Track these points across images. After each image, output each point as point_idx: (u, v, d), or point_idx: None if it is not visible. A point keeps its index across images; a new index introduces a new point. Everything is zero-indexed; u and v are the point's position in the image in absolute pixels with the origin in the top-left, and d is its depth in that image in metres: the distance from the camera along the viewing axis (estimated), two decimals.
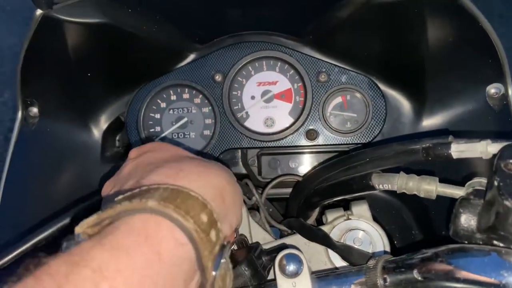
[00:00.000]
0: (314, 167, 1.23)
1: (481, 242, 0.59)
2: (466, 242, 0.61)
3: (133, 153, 0.73)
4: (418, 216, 1.14)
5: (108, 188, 0.68)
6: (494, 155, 0.60)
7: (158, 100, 1.34)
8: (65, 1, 1.02)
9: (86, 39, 1.11)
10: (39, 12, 1.01)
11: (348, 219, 1.00)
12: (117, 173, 0.70)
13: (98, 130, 1.32)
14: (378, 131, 1.26)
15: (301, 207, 1.02)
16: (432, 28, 1.06)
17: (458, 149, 0.66)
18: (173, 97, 1.34)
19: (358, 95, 1.27)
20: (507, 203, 0.49)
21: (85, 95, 1.26)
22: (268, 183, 1.19)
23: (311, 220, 1.05)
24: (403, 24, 1.07)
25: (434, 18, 1.04)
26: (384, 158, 0.81)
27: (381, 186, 0.81)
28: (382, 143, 1.15)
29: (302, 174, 1.25)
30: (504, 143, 0.59)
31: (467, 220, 0.61)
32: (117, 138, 1.40)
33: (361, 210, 1.01)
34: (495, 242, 0.55)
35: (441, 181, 0.72)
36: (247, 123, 1.31)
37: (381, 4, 1.04)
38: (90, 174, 1.28)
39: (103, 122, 1.33)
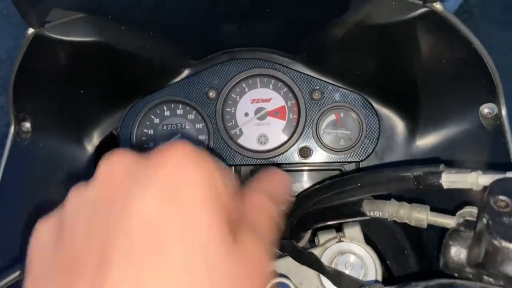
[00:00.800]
0: (308, 188, 1.23)
1: (471, 276, 0.58)
2: (456, 275, 0.60)
3: (79, 190, 0.42)
4: (411, 236, 1.14)
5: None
6: (485, 187, 0.59)
7: (152, 116, 1.34)
8: (57, 19, 1.02)
9: (78, 57, 1.10)
10: (31, 31, 1.00)
11: (340, 241, 0.99)
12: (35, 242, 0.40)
13: (91, 145, 1.32)
14: (371, 150, 1.26)
15: (293, 228, 1.02)
16: (425, 48, 1.06)
17: (449, 179, 0.66)
18: (167, 113, 1.33)
19: (351, 113, 1.27)
20: (495, 242, 0.49)
21: (78, 111, 1.25)
22: None
23: (303, 242, 1.04)
24: (396, 44, 1.07)
25: (427, 39, 1.04)
26: (375, 184, 0.81)
27: (371, 213, 0.80)
28: (375, 166, 1.15)
29: (295, 193, 1.25)
30: (496, 176, 0.59)
31: (457, 253, 0.60)
32: None
33: (353, 232, 1.00)
34: (485, 277, 0.55)
35: (432, 209, 0.72)
36: (240, 140, 1.30)
37: (374, 25, 1.04)
38: None
39: (96, 138, 1.32)
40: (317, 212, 0.94)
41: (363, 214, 0.82)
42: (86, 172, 1.31)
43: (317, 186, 0.99)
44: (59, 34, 1.05)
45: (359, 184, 0.86)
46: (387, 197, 0.82)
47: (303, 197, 1.03)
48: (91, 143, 1.31)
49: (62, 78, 1.15)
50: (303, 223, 0.99)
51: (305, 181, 1.29)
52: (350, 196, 0.88)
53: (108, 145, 1.37)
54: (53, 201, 1.20)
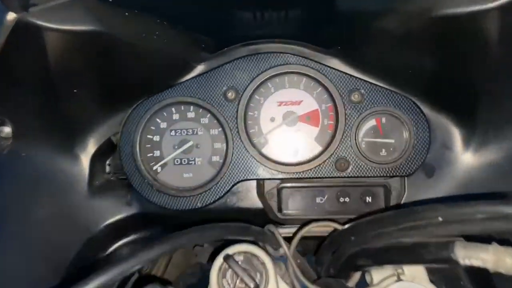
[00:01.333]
0: (360, 216, 1.03)
1: None
2: None
3: None
4: (477, 279, 0.96)
5: None
6: None
7: (158, 120, 1.13)
8: (44, 3, 0.80)
9: (71, 49, 0.89)
10: (12, 16, 0.78)
11: (399, 279, 0.81)
12: None
13: (85, 155, 1.11)
14: (420, 162, 1.07)
15: (342, 264, 0.83)
16: (496, 45, 0.87)
17: None
18: (176, 116, 1.13)
19: (396, 118, 1.08)
20: None
21: (69, 114, 1.04)
22: (297, 230, 0.99)
23: (352, 283, 0.86)
24: (465, 39, 0.88)
25: (502, 35, 0.85)
26: (467, 221, 0.63)
27: (467, 261, 0.62)
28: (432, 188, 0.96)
29: (340, 220, 1.05)
30: None
31: None
32: (108, 162, 1.18)
33: (415, 269, 0.82)
34: None
35: None
36: (265, 150, 1.10)
37: (440, 17, 0.84)
38: (75, 210, 1.07)
39: (92, 145, 1.11)
40: (379, 251, 0.76)
41: (454, 262, 0.64)
42: (80, 187, 1.10)
43: (375, 216, 0.80)
44: (47, 21, 0.84)
45: (440, 219, 0.68)
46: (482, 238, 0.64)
47: (354, 228, 0.84)
48: (85, 152, 1.10)
49: (50, 75, 0.93)
50: (356, 261, 0.81)
51: (342, 200, 1.10)
52: (427, 233, 0.69)
53: (105, 154, 1.16)
54: (38, 222, 0.98)
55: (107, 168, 1.18)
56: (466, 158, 1.05)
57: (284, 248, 0.89)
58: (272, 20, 1.05)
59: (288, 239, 1.10)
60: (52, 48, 0.88)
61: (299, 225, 1.10)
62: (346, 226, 0.87)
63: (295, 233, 0.98)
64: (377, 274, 0.83)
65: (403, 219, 0.74)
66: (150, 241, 0.71)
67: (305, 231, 0.94)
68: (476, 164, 1.05)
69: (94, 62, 0.96)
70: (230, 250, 0.85)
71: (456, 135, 1.06)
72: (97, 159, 1.13)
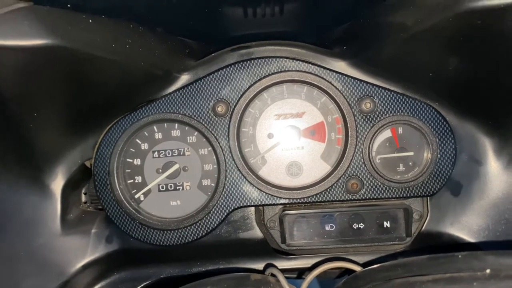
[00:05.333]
0: (382, 254, 0.89)
1: None
2: None
3: None
4: None
5: None
6: None
7: (138, 140, 0.98)
8: None
9: (24, 69, 0.73)
10: None
11: None
12: None
13: (55, 185, 0.97)
14: (445, 179, 0.92)
15: None
16: None
17: None
18: (158, 136, 0.98)
19: (414, 128, 0.93)
20: None
21: (31, 141, 0.89)
22: (310, 269, 0.84)
23: None
24: (497, 36, 0.72)
25: None
26: None
27: None
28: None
29: (358, 253, 0.91)
30: None
31: None
32: (83, 190, 1.03)
33: None
34: None
35: None
36: (263, 172, 0.96)
37: (472, 11, 0.68)
38: (47, 249, 0.93)
39: (62, 174, 0.97)
40: None
41: None
42: (51, 223, 0.95)
43: (401, 260, 0.65)
44: None
45: (488, 271, 0.53)
46: None
47: (374, 273, 0.69)
48: (55, 182, 0.96)
49: (3, 99, 0.77)
50: None
51: (354, 226, 0.95)
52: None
53: (79, 182, 1.00)
54: (4, 264, 0.83)
55: (83, 198, 1.03)
56: (498, 173, 0.91)
57: None
58: (265, 16, 0.89)
59: (296, 270, 0.96)
60: (2, 68, 0.72)
61: (307, 256, 0.95)
62: (366, 269, 0.72)
63: (303, 272, 0.84)
64: None
65: (439, 267, 0.59)
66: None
67: (314, 275, 0.78)
68: (510, 179, 0.90)
69: (55, 82, 0.80)
70: None
71: (486, 145, 0.92)
72: (70, 188, 0.98)
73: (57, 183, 0.96)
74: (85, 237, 0.98)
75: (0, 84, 0.74)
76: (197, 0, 0.81)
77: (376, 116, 0.92)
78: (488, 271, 0.54)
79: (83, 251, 0.98)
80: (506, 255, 0.53)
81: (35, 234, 0.95)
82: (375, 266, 0.70)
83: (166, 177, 0.97)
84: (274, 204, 0.95)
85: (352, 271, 0.80)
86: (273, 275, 0.78)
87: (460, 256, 0.57)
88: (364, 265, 0.79)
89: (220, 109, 0.94)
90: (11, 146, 0.87)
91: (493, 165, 0.92)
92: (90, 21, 0.78)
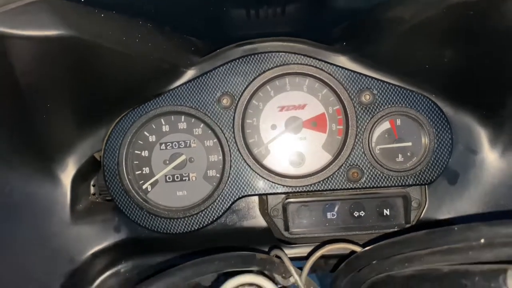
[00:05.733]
0: (381, 236, 0.92)
1: None
2: None
3: None
4: None
5: None
6: None
7: (146, 133, 1.01)
8: (2, 5, 0.67)
9: (39, 59, 0.77)
10: None
11: None
12: None
13: (65, 176, 1.00)
14: (442, 167, 0.96)
15: None
16: None
17: None
18: (165, 128, 1.01)
19: (412, 119, 0.96)
20: None
21: (44, 132, 0.92)
22: (309, 253, 0.87)
23: None
24: (491, 28, 0.76)
25: None
26: None
27: None
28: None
29: (356, 238, 0.93)
30: None
31: None
32: (92, 182, 1.06)
33: None
34: None
35: None
36: (267, 162, 0.99)
37: (464, 2, 0.72)
38: (57, 238, 0.96)
39: (72, 165, 1.00)
40: (408, 280, 0.64)
41: None
42: (61, 212, 0.98)
43: (401, 237, 0.68)
44: (9, 26, 0.71)
45: (482, 241, 0.56)
46: None
47: (376, 250, 0.72)
48: (66, 173, 0.99)
49: (19, 89, 0.81)
50: None
51: (355, 214, 0.98)
52: (468, 259, 0.58)
53: (89, 174, 1.04)
54: (12, 259, 0.86)
55: (92, 189, 1.07)
56: (493, 161, 0.95)
57: (295, 277, 0.77)
58: (268, 15, 0.93)
59: (299, 258, 0.98)
60: (18, 58, 0.76)
61: (309, 244, 0.98)
62: (367, 248, 0.75)
63: (306, 256, 0.86)
64: None
65: (436, 240, 0.62)
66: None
67: (318, 256, 0.81)
68: (505, 167, 0.94)
69: (68, 72, 0.84)
70: (233, 283, 0.73)
71: (481, 135, 0.95)
72: (80, 180, 1.02)
73: (68, 174, 1.00)
74: (94, 227, 1.01)
75: (18, 74, 0.78)
76: (204, 4, 0.85)
77: (375, 107, 0.96)
78: (482, 240, 0.57)
79: (93, 240, 1.00)
80: (500, 225, 0.56)
81: (46, 223, 0.98)
82: (375, 245, 0.73)
83: (173, 168, 1.01)
84: (277, 193, 0.99)
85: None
86: (277, 256, 0.81)
87: (456, 228, 0.60)
88: (365, 245, 0.82)
89: (225, 101, 0.97)
90: (26, 137, 0.90)
91: (488, 154, 0.95)
92: (102, 15, 0.82)
